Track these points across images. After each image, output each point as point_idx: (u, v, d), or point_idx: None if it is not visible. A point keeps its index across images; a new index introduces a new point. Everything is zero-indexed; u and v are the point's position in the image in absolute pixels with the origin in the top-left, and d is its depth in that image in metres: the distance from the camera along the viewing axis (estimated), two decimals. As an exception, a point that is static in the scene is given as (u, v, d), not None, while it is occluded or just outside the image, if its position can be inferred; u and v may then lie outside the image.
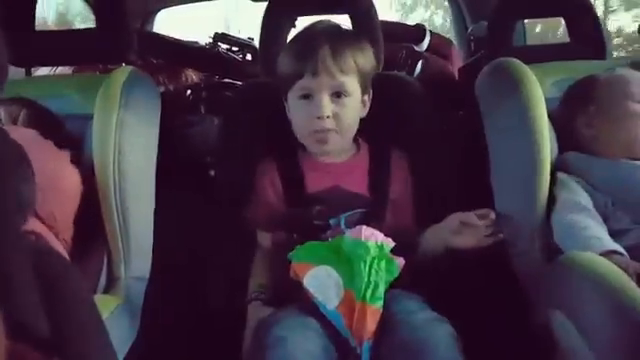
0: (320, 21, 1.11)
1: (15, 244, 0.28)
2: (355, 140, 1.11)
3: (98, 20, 1.21)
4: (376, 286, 0.88)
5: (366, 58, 1.05)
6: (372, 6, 1.26)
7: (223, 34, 1.99)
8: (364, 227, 0.94)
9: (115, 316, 0.86)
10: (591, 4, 1.32)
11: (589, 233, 0.93)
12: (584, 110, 1.10)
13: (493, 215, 0.96)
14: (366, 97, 1.07)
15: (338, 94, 1.00)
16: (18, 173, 0.37)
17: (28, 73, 1.26)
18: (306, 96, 1.01)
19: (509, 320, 1.00)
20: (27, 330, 0.25)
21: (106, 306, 0.85)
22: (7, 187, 0.32)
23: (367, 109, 1.08)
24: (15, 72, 1.27)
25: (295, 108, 1.04)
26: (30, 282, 0.31)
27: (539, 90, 1.07)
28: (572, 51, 1.31)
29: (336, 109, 1.00)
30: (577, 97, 1.13)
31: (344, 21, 1.22)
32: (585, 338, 0.79)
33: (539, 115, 1.05)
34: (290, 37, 1.20)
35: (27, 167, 0.44)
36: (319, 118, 0.99)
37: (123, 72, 1.06)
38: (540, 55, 1.30)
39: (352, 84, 1.01)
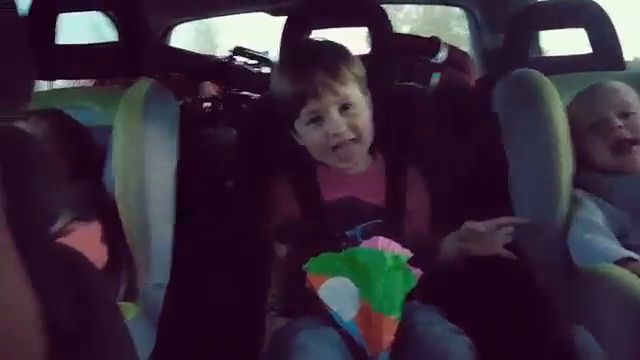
0: (305, 41, 1.11)
1: (44, 247, 0.29)
2: (370, 151, 1.11)
3: (120, 34, 1.24)
4: (393, 297, 0.88)
5: (357, 65, 1.06)
6: (387, 19, 1.27)
7: (241, 48, 2.01)
8: (380, 238, 0.94)
9: (134, 323, 0.86)
10: (608, 15, 1.31)
11: (603, 246, 0.92)
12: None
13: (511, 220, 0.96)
14: (367, 99, 1.08)
15: (345, 107, 1.01)
16: (45, 178, 0.38)
17: (50, 86, 1.29)
18: (315, 119, 1.02)
19: (529, 334, 0.99)
20: (54, 330, 0.26)
21: (125, 313, 0.85)
22: (34, 192, 0.33)
23: (371, 111, 1.08)
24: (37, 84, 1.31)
25: (307, 133, 1.04)
26: (59, 284, 0.32)
27: (559, 101, 1.06)
28: (590, 62, 1.30)
29: (349, 120, 1.01)
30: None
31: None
32: (607, 352, 0.78)
33: (560, 127, 1.04)
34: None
35: (55, 172, 0.45)
36: (336, 135, 1.00)
37: (143, 85, 1.08)
38: (558, 66, 1.29)
39: (355, 93, 1.03)
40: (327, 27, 1.29)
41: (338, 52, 1.06)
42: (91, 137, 1.11)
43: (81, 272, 0.39)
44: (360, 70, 1.06)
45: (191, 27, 2.49)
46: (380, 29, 1.27)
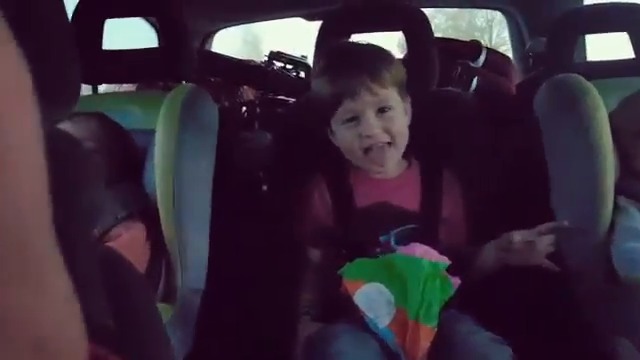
0: (346, 43, 1.11)
1: (84, 248, 0.30)
2: (406, 156, 1.10)
3: (161, 39, 1.27)
4: (430, 305, 0.87)
5: (398, 68, 1.05)
6: (426, 21, 1.26)
7: (278, 52, 2.03)
8: (417, 244, 0.93)
9: (170, 325, 0.88)
10: None
11: None
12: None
13: (554, 226, 0.93)
14: (406, 104, 1.06)
15: (382, 109, 1.00)
16: (85, 178, 0.39)
17: (95, 90, 1.33)
18: (351, 119, 1.01)
19: (569, 344, 0.96)
20: (96, 331, 0.27)
21: (162, 314, 0.87)
22: (75, 192, 0.34)
23: (410, 116, 1.06)
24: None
25: (342, 132, 1.03)
26: (99, 286, 0.32)
27: (602, 107, 1.03)
28: (636, 67, 1.26)
29: (384, 124, 1.00)
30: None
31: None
32: None
33: (603, 134, 1.01)
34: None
35: (95, 172, 0.46)
36: (369, 136, 0.99)
37: (183, 89, 1.10)
38: (603, 71, 1.26)
39: (393, 97, 1.01)
40: (363, 32, 1.28)
41: (380, 54, 1.06)
42: (132, 139, 1.13)
43: (122, 273, 0.40)
44: (401, 74, 1.05)
45: (237, 35, 2.53)
46: (419, 32, 1.25)
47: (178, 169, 1.01)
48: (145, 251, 1.00)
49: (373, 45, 1.12)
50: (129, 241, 0.97)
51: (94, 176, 0.42)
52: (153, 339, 0.42)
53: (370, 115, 0.99)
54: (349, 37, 1.55)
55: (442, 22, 5.21)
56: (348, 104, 1.00)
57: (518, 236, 0.94)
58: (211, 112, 1.14)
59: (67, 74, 0.45)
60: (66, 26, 0.46)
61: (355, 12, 1.32)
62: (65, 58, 0.45)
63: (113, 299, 0.34)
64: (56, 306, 0.25)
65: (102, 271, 0.34)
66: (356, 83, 0.98)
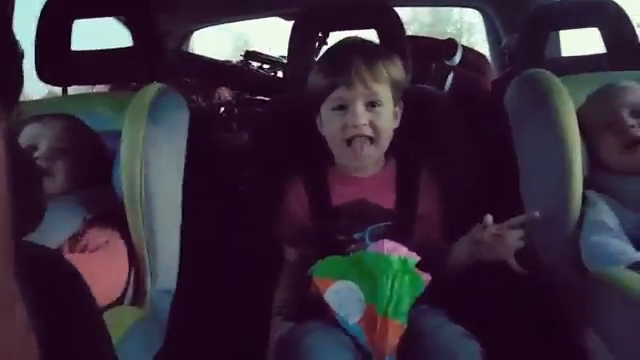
0: (350, 37, 1.13)
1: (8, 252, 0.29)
2: (383, 155, 1.10)
3: (134, 39, 1.25)
4: (399, 301, 0.87)
5: (397, 69, 1.06)
6: (398, 20, 1.26)
7: (254, 52, 2.03)
8: (386, 240, 0.93)
9: (139, 327, 0.86)
10: (626, 14, 1.28)
11: (612, 250, 0.90)
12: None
13: (524, 219, 0.93)
14: (397, 109, 1.07)
15: (372, 103, 1.01)
16: (23, 179, 0.38)
17: (65, 91, 1.31)
18: (341, 107, 1.02)
19: (540, 338, 0.96)
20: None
21: (131, 317, 0.86)
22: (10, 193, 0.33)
23: (398, 121, 1.07)
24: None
25: (329, 119, 1.04)
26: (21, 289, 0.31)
27: (569, 102, 1.04)
28: (607, 62, 1.27)
29: (371, 117, 1.00)
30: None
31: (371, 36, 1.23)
32: (615, 357, 0.75)
33: (569, 128, 1.01)
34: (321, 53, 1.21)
35: (34, 174, 0.45)
36: (355, 126, 1.00)
37: (152, 89, 1.09)
38: (574, 67, 1.27)
39: (385, 94, 1.02)
40: (335, 30, 1.28)
41: (380, 51, 1.07)
42: (101, 141, 1.12)
43: (58, 273, 0.39)
44: (399, 75, 1.06)
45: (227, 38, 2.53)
46: (391, 31, 1.25)
47: (145, 169, 0.99)
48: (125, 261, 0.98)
49: (376, 43, 1.13)
50: (111, 253, 0.96)
51: (27, 174, 0.41)
52: (88, 338, 0.40)
53: (359, 106, 1.00)
54: (327, 36, 1.55)
55: (418, 30, 5.31)
56: (340, 91, 1.01)
57: (487, 229, 0.95)
58: (181, 111, 1.12)
59: (5, 67, 0.44)
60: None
61: (327, 11, 1.32)
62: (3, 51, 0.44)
63: (47, 298, 0.33)
64: (19, 335, 0.24)
65: (35, 271, 0.33)
66: (352, 73, 0.99)
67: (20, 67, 0.48)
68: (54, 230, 0.91)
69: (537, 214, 0.93)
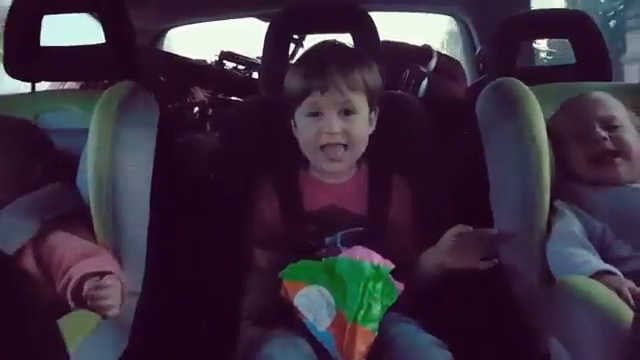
0: (327, 40, 1.12)
1: None
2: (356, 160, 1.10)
3: (106, 36, 1.22)
4: (369, 307, 0.87)
5: (374, 76, 1.04)
6: (373, 25, 1.26)
7: (229, 52, 2.01)
8: (359, 247, 0.93)
9: (102, 330, 0.84)
10: (596, 25, 1.30)
11: (577, 260, 0.90)
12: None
13: (492, 232, 0.95)
14: (373, 115, 1.06)
15: (347, 111, 1.00)
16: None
17: (33, 88, 1.27)
18: (314, 114, 1.00)
19: (506, 347, 0.97)
20: None
21: (93, 319, 0.84)
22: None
23: (373, 127, 1.07)
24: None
25: (303, 126, 1.03)
26: None
27: (539, 111, 1.05)
28: (577, 72, 1.30)
29: (345, 126, 0.99)
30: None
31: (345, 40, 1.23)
32: None
33: (538, 137, 1.02)
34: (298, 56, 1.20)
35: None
36: (329, 134, 0.99)
37: (122, 87, 1.07)
38: (545, 76, 1.29)
39: (360, 101, 1.01)
40: (309, 33, 1.28)
41: (358, 58, 1.05)
42: (53, 146, 1.09)
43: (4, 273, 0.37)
44: (375, 83, 1.04)
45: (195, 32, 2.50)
46: (365, 35, 1.26)
47: (110, 171, 0.97)
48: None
49: (356, 49, 1.12)
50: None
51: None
52: (34, 340, 0.39)
53: (333, 113, 0.99)
54: (304, 38, 1.54)
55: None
56: (315, 97, 0.99)
57: (453, 236, 0.95)
58: (150, 110, 1.11)
59: None
60: None
61: (302, 14, 1.31)
62: None
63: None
64: None
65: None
66: (327, 79, 0.98)
67: None
68: (9, 235, 0.90)
69: (495, 231, 0.97)
